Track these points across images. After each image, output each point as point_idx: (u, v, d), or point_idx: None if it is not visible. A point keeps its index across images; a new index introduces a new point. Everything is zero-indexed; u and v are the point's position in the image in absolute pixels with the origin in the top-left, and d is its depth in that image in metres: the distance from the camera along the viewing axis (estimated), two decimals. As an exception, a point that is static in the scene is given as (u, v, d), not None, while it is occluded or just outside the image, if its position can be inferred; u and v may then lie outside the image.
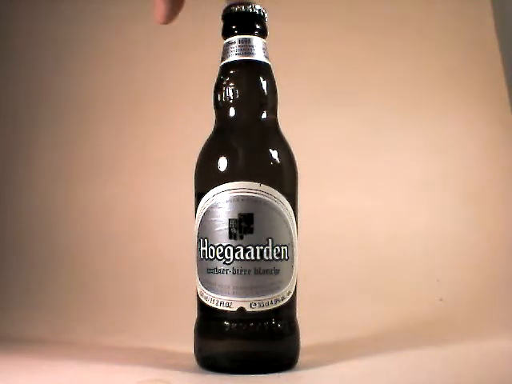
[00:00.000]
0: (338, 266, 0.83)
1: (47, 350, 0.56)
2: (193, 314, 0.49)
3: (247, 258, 0.45)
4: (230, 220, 0.46)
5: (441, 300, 0.77)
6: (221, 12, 0.49)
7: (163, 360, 0.51)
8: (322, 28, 0.92)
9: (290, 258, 0.47)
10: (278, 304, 0.46)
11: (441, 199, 0.90)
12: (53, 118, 0.94)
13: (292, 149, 0.49)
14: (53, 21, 0.94)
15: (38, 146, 0.93)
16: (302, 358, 0.48)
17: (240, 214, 0.46)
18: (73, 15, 0.94)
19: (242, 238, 0.46)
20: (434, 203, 0.90)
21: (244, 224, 0.46)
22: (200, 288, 0.48)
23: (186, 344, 0.49)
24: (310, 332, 0.49)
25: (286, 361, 0.47)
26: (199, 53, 0.78)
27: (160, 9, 0.46)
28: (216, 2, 0.51)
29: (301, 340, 0.48)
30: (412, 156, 0.92)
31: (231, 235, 0.46)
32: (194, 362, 0.48)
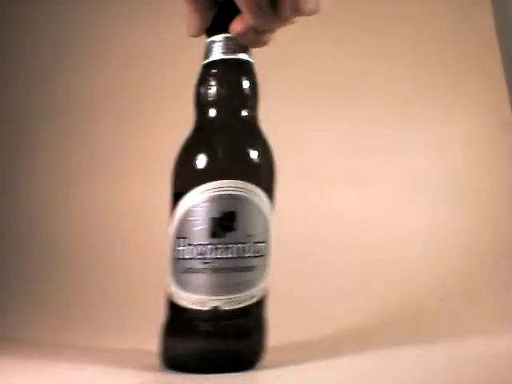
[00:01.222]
0: (338, 266, 0.83)
1: (46, 350, 0.56)
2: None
3: (227, 256, 0.45)
4: (210, 219, 0.45)
5: (441, 300, 0.77)
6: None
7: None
8: (322, 28, 0.91)
9: (265, 255, 0.47)
10: (253, 301, 0.46)
11: (440, 199, 0.90)
12: (53, 118, 0.94)
13: (277, 146, 0.48)
14: (53, 21, 0.94)
15: (38, 145, 0.93)
16: (299, 355, 0.48)
17: (221, 212, 0.45)
18: (73, 15, 0.94)
19: (223, 236, 0.45)
20: (434, 203, 0.90)
21: (225, 222, 0.45)
22: (172, 289, 0.47)
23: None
24: (310, 332, 0.49)
25: (253, 358, 0.47)
26: (199, 53, 0.77)
27: (193, 21, 0.46)
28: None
29: (300, 339, 0.48)
30: (412, 156, 0.92)
31: (212, 234, 0.45)
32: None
